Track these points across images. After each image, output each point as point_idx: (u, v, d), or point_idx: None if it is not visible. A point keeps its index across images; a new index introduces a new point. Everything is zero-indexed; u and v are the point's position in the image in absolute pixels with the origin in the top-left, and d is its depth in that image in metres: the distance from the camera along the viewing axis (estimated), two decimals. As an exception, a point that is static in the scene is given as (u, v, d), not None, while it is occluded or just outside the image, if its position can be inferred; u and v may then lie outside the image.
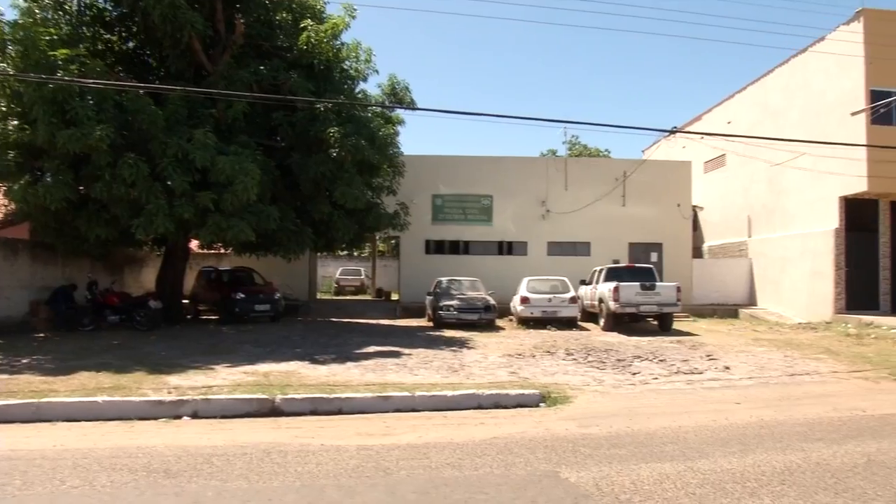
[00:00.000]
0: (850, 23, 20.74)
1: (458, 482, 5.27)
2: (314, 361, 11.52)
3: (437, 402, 8.34)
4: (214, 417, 7.67)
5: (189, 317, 20.98)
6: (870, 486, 5.16)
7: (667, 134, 28.42)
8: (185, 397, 8.02)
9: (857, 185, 19.94)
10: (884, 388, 9.90)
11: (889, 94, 19.52)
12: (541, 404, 8.52)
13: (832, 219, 21.49)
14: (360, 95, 19.66)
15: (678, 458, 5.95)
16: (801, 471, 5.59)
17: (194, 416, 7.70)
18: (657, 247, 26.54)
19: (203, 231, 15.84)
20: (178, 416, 7.65)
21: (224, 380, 9.43)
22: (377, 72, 19.51)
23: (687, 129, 29.35)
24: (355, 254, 40.13)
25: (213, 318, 20.32)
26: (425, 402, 8.32)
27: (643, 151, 37.58)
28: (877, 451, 6.20)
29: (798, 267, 23.08)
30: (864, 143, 19.00)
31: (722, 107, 29.53)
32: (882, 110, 19.84)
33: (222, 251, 23.98)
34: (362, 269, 41.10)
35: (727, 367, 11.64)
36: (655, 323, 19.30)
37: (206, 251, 24.74)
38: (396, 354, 12.66)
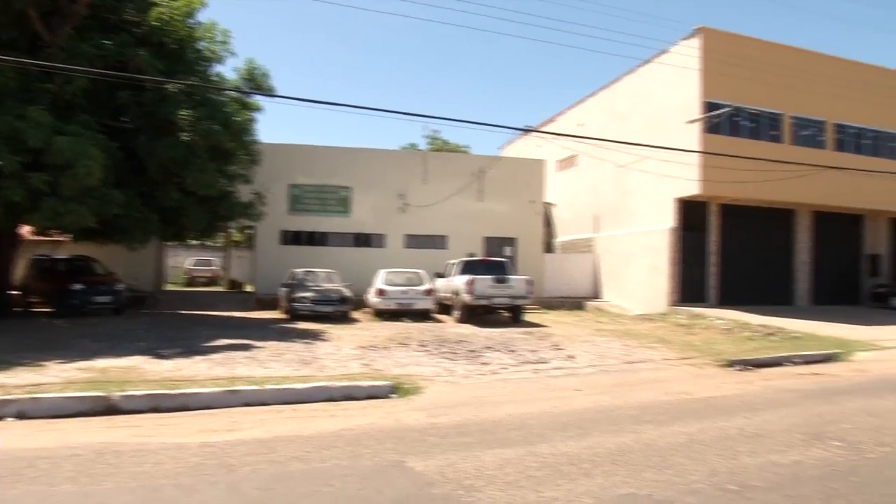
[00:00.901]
0: (689, 38, 22.35)
1: (304, 475, 5.21)
2: (158, 356, 10.91)
3: (287, 395, 8.17)
4: (43, 418, 7.07)
5: (19, 310, 19.27)
6: (689, 463, 5.64)
7: (521, 132, 29.43)
8: (9, 397, 7.35)
9: (691, 188, 21.60)
10: (708, 374, 10.82)
11: (721, 106, 21.32)
12: (392, 395, 8.57)
13: (669, 218, 23.18)
14: (215, 78, 18.79)
15: (521, 443, 6.20)
16: (631, 451, 6.01)
17: (20, 416, 7.07)
18: (511, 241, 27.43)
19: (36, 216, 14.57)
20: (1, 418, 7.03)
21: (56, 377, 8.70)
22: (234, 54, 18.82)
23: (541, 129, 30.48)
24: (208, 243, 38.45)
25: (47, 311, 18.79)
26: (275, 395, 8.12)
27: (500, 149, 38.70)
28: (698, 431, 6.78)
29: (639, 262, 24.72)
30: (698, 149, 20.63)
31: (575, 109, 30.98)
32: (714, 121, 21.64)
33: (60, 238, 22.17)
34: (215, 259, 39.48)
35: (571, 357, 12.26)
36: (508, 315, 19.93)
37: (41, 238, 22.79)
38: (247, 347, 12.27)
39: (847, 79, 24.77)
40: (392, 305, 19.68)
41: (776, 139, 23.13)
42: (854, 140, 25.20)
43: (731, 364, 11.59)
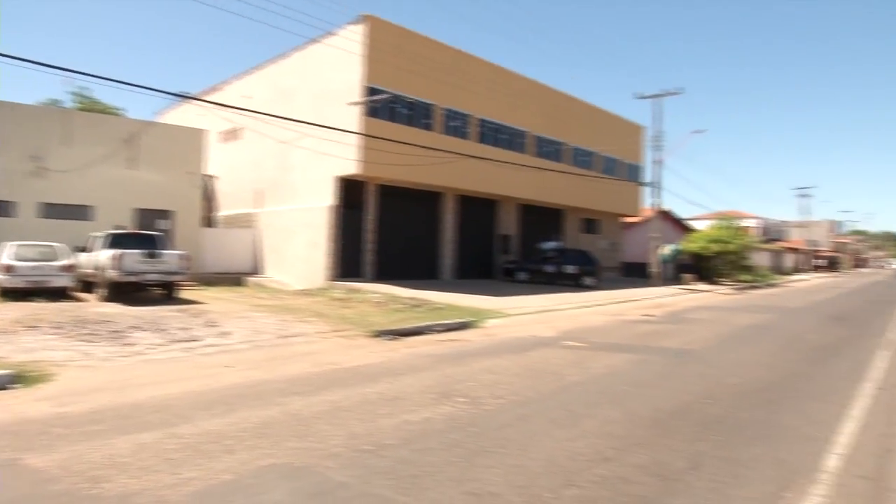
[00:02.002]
0: (355, 24, 23.03)
1: None
2: None
3: None
4: None
5: None
6: (331, 429, 5.85)
7: (182, 99, 27.64)
8: None
9: (351, 167, 22.42)
10: (358, 344, 11.34)
11: (381, 92, 22.42)
12: (14, 386, 7.42)
13: (329, 196, 23.77)
14: None
15: (161, 426, 5.83)
16: (277, 423, 6.02)
17: None
18: (167, 214, 25.65)
19: None
20: None
21: None
22: None
23: (203, 97, 29.02)
24: None
25: None
26: None
27: (157, 115, 35.94)
28: (342, 398, 7.06)
29: (300, 238, 24.99)
30: (358, 131, 21.44)
31: (242, 80, 29.97)
32: (374, 105, 22.67)
33: None
34: None
35: (226, 333, 11.91)
36: (162, 292, 18.67)
37: None
38: None
39: (492, 80, 27.94)
40: (21, 283, 17.08)
41: (429, 127, 25.08)
42: (493, 134, 28.47)
43: (380, 334, 12.29)
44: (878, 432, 6.48)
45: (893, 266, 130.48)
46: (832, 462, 5.45)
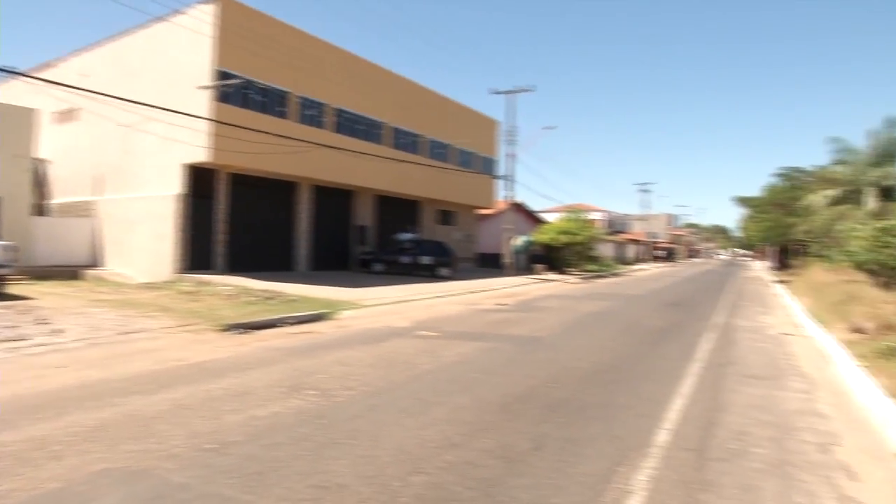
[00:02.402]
0: (206, 3, 21.98)
1: None
2: None
3: None
4: None
5: None
6: (172, 429, 5.67)
7: (10, 75, 25.24)
8: None
9: (200, 154, 21.49)
10: (206, 339, 10.97)
11: (233, 76, 21.66)
12: None
13: (177, 184, 22.71)
14: None
15: (-23, 434, 5.40)
16: (113, 425, 5.75)
17: None
18: (-8, 201, 23.48)
19: None
20: None
21: None
22: None
23: (36, 74, 26.70)
24: None
25: None
26: None
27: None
28: (185, 396, 6.84)
29: (144, 229, 23.68)
30: (208, 116, 20.61)
31: (81, 57, 27.73)
32: (226, 90, 21.87)
33: None
34: None
35: (59, 331, 11.11)
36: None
37: None
38: None
39: (348, 69, 27.75)
40: None
41: (283, 115, 24.55)
42: (350, 124, 28.31)
43: (230, 328, 11.96)
44: (702, 407, 7.18)
45: (722, 256, 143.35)
46: (662, 437, 5.97)
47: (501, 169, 37.01)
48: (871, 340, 11.24)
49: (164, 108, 17.40)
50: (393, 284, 23.28)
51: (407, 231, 32.44)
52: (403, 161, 30.25)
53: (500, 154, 40.83)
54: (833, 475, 5.18)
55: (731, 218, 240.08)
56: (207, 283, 19.67)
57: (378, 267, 30.21)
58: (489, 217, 45.81)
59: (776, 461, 5.46)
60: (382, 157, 28.09)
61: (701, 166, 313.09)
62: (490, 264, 40.98)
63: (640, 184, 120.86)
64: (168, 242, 22.70)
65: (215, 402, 6.65)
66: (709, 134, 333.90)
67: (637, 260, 77.15)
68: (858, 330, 12.43)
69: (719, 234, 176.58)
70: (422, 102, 33.92)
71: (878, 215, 28.16)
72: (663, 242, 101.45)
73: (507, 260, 34.89)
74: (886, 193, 31.67)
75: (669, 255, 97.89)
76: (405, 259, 30.16)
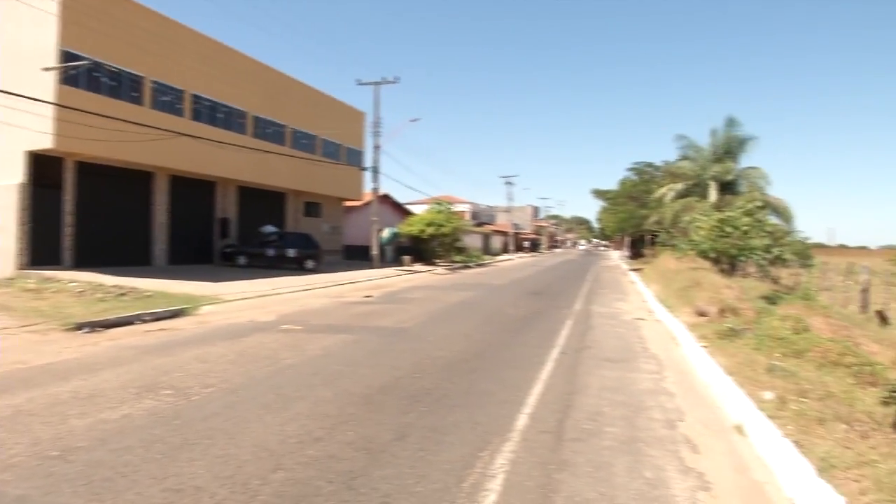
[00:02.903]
0: (49, -23, 20.43)
1: None
2: None
3: None
4: None
5: None
6: (11, 437, 5.38)
7: None
8: None
9: (45, 141, 20.02)
10: (52, 339, 10.34)
11: (80, 58, 20.29)
12: None
13: (19, 173, 21.08)
14: None
15: None
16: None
17: None
18: None
19: None
20: None
21: None
22: None
23: None
24: None
25: None
26: None
27: None
28: (26, 401, 6.48)
29: (-19, 221, 21.80)
30: (53, 101, 19.25)
31: None
32: (72, 72, 20.49)
33: None
34: None
35: None
36: None
37: None
38: None
39: (208, 55, 26.75)
40: None
41: (137, 101, 23.35)
42: (209, 112, 27.34)
43: (80, 327, 11.35)
44: (560, 391, 7.65)
45: (581, 246, 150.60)
46: (522, 421, 6.32)
47: (368, 160, 36.97)
48: (713, 323, 12.42)
49: (2, 91, 16.12)
50: (257, 278, 22.81)
51: (271, 224, 31.79)
52: (267, 151, 29.59)
53: (367, 146, 40.78)
54: (678, 449, 5.69)
55: (590, 210, 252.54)
56: (54, 280, 18.43)
57: (242, 260, 29.44)
58: (356, 209, 45.67)
59: (627, 438, 5.92)
60: (244, 147, 27.37)
61: (562, 160, 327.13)
62: (358, 256, 40.92)
63: (504, 176, 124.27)
64: (9, 236, 21.01)
65: (61, 406, 6.35)
66: (569, 130, 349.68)
67: (503, 251, 79.47)
68: (702, 313, 13.65)
69: (580, 225, 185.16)
70: (287, 92, 33.26)
71: (718, 207, 30.76)
72: (528, 234, 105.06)
73: (374, 252, 34.97)
74: (726, 187, 34.65)
75: (534, 246, 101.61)
76: (270, 252, 29.57)
